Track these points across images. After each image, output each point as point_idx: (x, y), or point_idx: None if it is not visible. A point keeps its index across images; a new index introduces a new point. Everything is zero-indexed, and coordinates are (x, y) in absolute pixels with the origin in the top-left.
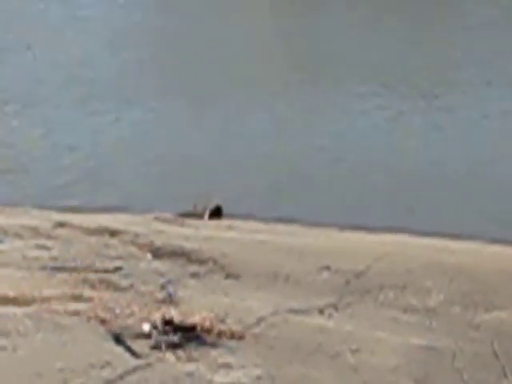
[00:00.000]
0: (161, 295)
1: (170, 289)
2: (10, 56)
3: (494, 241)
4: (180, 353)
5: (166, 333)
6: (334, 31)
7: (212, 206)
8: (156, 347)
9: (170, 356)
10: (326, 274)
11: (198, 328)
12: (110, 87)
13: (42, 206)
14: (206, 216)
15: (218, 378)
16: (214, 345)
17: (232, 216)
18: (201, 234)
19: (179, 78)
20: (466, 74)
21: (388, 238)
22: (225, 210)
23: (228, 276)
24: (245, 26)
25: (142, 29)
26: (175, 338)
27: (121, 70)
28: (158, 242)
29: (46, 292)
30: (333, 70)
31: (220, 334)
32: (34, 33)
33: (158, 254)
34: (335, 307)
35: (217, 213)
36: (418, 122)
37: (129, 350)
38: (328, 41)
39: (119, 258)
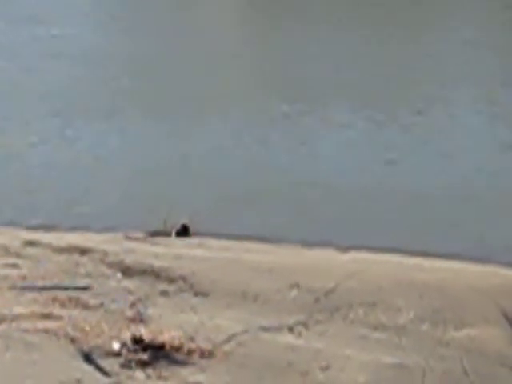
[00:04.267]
0: (130, 313)
1: (141, 307)
2: None
3: (464, 258)
4: (150, 371)
5: (135, 351)
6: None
7: (179, 224)
8: (126, 365)
9: (139, 374)
10: (295, 292)
11: (168, 346)
12: (74, 103)
13: (11, 225)
14: (173, 235)
15: None
16: (183, 363)
17: (201, 234)
18: (171, 252)
19: (148, 95)
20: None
21: (357, 255)
22: (194, 228)
23: (197, 294)
24: (215, 44)
25: (107, 47)
26: (145, 357)
27: (85, 87)
28: (128, 260)
29: (16, 310)
30: (305, 87)
31: (190, 352)
32: None
33: (127, 272)
34: (305, 325)
35: (184, 231)
36: (393, 140)
37: (99, 368)
38: (301, 58)
39: (89, 276)
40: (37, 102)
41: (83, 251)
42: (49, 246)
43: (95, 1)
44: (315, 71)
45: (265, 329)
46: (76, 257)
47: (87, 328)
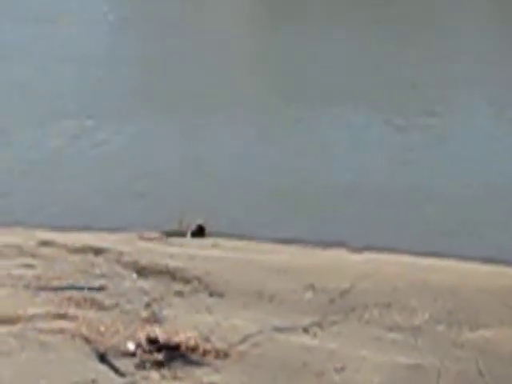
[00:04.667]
0: (145, 314)
1: (156, 308)
2: None
3: (478, 259)
4: (165, 371)
5: (150, 351)
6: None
7: (195, 224)
8: (141, 366)
9: (154, 375)
10: (310, 293)
11: (183, 347)
12: (86, 104)
13: (26, 225)
14: (188, 235)
15: None
16: (198, 363)
17: (216, 234)
18: (185, 253)
19: (163, 95)
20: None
21: (372, 256)
22: (209, 228)
23: (212, 294)
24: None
25: (116, 47)
26: (160, 357)
27: (95, 87)
28: (143, 260)
29: (31, 311)
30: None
31: (205, 353)
32: None
33: (142, 272)
34: (320, 326)
35: (199, 232)
36: (395, 141)
37: (113, 368)
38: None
39: (104, 276)
40: (48, 103)
41: (98, 251)
42: (64, 246)
43: (108, 2)
44: (328, 73)
45: (280, 329)
46: (91, 257)
47: (102, 328)
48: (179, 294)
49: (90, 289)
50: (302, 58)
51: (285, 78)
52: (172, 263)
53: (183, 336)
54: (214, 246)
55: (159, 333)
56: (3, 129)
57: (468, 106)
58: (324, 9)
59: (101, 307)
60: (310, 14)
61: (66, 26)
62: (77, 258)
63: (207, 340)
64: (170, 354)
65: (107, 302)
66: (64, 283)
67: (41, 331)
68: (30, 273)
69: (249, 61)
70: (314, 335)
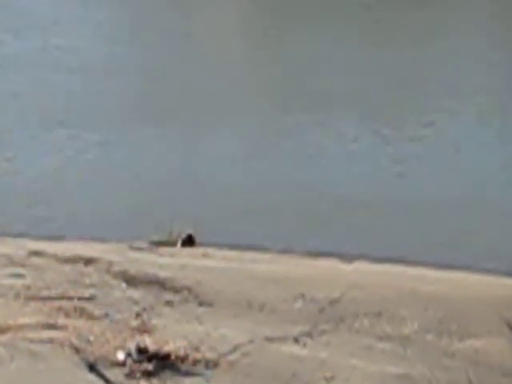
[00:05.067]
0: (135, 324)
1: (146, 317)
2: None
3: (469, 269)
4: (154, 381)
5: (140, 361)
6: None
7: (184, 234)
8: (130, 375)
9: None
10: (300, 302)
11: (173, 356)
12: (79, 115)
13: (16, 235)
14: (178, 245)
15: None
16: (188, 373)
17: (206, 244)
18: (175, 263)
19: (152, 106)
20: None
21: (361, 266)
22: (199, 238)
23: (202, 304)
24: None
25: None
26: (150, 367)
27: (87, 97)
28: (133, 270)
29: (21, 320)
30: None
31: (195, 362)
32: None
33: (132, 282)
34: (310, 335)
35: (189, 242)
36: (390, 151)
37: (103, 378)
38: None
39: (93, 286)
40: (42, 114)
41: (88, 261)
42: (54, 256)
43: (105, 12)
44: (322, 80)
45: (270, 339)
46: (81, 267)
47: (92, 338)
48: (169, 303)
49: (80, 298)
50: (299, 65)
51: (278, 83)
52: (162, 273)
53: (173, 346)
54: (204, 255)
55: (149, 342)
56: None
57: (464, 116)
58: (329, 14)
59: (90, 317)
60: (306, 16)
61: (58, 36)
62: (67, 267)
63: (197, 350)
64: (160, 363)
65: (97, 311)
66: (54, 293)
67: (31, 341)
68: (19, 282)
69: (246, 69)
70: (304, 345)
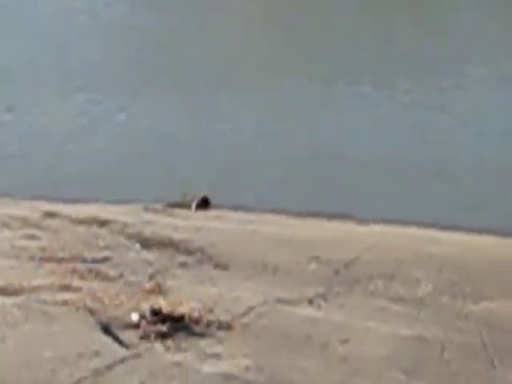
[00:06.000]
0: (149, 285)
1: (160, 279)
2: None
3: (484, 231)
4: (169, 343)
5: (154, 323)
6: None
7: (199, 197)
8: (144, 337)
9: (158, 346)
10: (314, 264)
11: (187, 318)
12: (93, 78)
13: (30, 196)
14: (193, 208)
15: (206, 367)
16: (202, 335)
17: (221, 206)
18: (190, 225)
19: (170, 69)
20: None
21: (376, 228)
22: (214, 200)
23: (216, 266)
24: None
25: (129, 25)
26: (164, 328)
27: (105, 62)
28: (147, 232)
29: (35, 282)
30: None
31: (208, 324)
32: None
33: (146, 244)
34: (324, 297)
35: (204, 204)
36: (413, 116)
37: (117, 340)
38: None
39: (108, 248)
40: (59, 78)
41: (102, 223)
42: (68, 217)
43: None
44: (343, 49)
45: (284, 301)
46: (95, 228)
47: (106, 300)
48: (183, 265)
49: (94, 260)
50: (315, 30)
51: (300, 52)
52: (176, 235)
53: (187, 307)
54: (219, 218)
55: (163, 304)
56: (14, 103)
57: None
58: None
59: (105, 279)
60: None
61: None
62: (81, 229)
63: (211, 311)
64: (174, 325)
65: (111, 273)
66: (68, 255)
67: (45, 302)
68: (34, 244)
69: (261, 34)
70: (319, 307)
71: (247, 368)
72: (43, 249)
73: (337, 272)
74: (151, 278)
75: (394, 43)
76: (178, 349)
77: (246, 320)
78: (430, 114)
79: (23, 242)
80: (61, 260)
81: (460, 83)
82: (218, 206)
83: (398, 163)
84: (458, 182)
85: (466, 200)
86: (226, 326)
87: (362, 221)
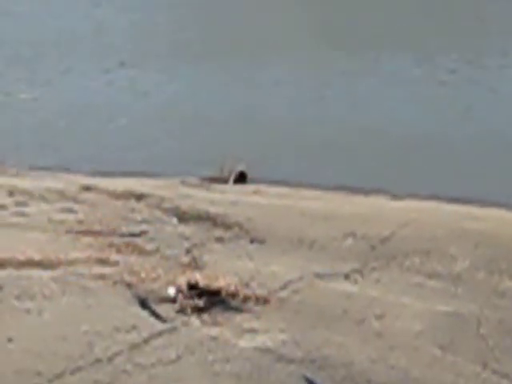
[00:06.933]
0: (186, 259)
1: (197, 253)
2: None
3: None
4: (205, 317)
5: (191, 297)
6: None
7: (237, 171)
8: (181, 311)
9: (194, 320)
10: (351, 240)
11: (223, 292)
12: (132, 53)
13: (68, 170)
14: (230, 182)
15: (242, 342)
16: (238, 309)
17: (258, 180)
18: (226, 199)
19: (206, 42)
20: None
21: (412, 204)
22: (251, 175)
23: (253, 241)
24: None
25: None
26: (200, 303)
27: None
28: (184, 206)
29: (72, 255)
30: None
31: (245, 299)
32: None
33: (183, 218)
34: (360, 273)
35: (241, 178)
36: (452, 92)
37: (154, 314)
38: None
39: (145, 222)
40: (93, 52)
41: (139, 196)
42: (105, 191)
43: None
44: (377, 20)
45: (320, 276)
46: (132, 202)
47: (143, 273)
48: (220, 239)
49: (131, 234)
50: (358, 2)
51: (340, 26)
52: (213, 209)
53: (223, 282)
54: (256, 192)
55: (199, 278)
56: (46, 77)
57: None
58: None
59: (142, 253)
60: None
61: None
62: (118, 203)
63: (247, 286)
64: (211, 299)
65: (148, 247)
66: (105, 228)
67: (82, 276)
68: (71, 217)
69: (301, 6)
70: (355, 282)
71: (283, 342)
72: (80, 222)
73: (373, 247)
74: (188, 252)
75: (437, 19)
76: (215, 323)
77: (282, 295)
78: (474, 90)
79: (60, 216)
80: (98, 234)
81: (507, 62)
82: (255, 181)
83: (439, 139)
84: (497, 158)
85: (506, 177)
86: (263, 301)
87: (398, 196)
